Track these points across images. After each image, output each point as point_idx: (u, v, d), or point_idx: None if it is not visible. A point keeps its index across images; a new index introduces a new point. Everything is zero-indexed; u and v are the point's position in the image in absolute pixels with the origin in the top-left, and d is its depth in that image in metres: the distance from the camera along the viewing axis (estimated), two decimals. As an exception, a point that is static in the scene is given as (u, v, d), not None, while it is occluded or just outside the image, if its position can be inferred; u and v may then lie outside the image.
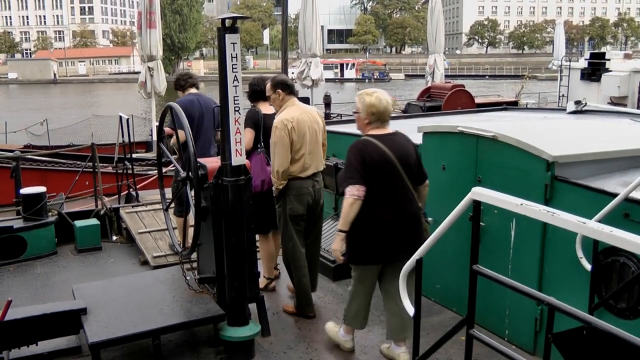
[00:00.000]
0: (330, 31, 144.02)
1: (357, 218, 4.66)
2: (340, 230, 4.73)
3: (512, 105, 15.41)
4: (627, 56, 20.49)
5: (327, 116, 18.72)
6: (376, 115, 4.79)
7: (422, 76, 26.22)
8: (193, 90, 7.65)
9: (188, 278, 5.38)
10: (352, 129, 7.05)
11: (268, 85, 5.97)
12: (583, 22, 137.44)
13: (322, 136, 5.97)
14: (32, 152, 16.18)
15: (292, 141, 5.60)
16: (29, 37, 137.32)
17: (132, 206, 9.06)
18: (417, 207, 4.84)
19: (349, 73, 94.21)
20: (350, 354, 5.19)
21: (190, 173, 4.96)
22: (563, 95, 20.67)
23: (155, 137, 16.19)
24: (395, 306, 4.86)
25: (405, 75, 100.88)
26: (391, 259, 4.79)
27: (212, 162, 4.96)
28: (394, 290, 4.60)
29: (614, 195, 4.22)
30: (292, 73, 19.90)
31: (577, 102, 9.10)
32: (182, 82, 7.64)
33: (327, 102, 21.81)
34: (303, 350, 5.28)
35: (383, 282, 5.03)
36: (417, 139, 6.28)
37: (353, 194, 4.60)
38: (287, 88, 5.81)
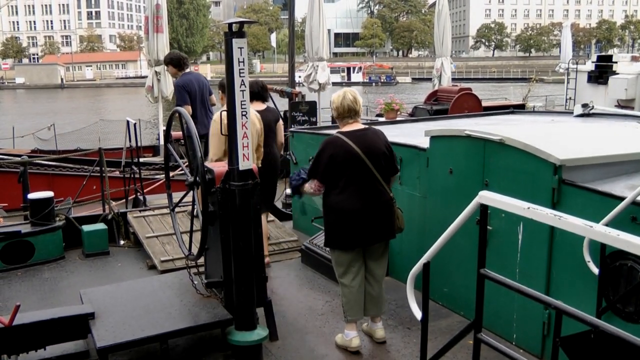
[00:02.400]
0: (337, 35, 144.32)
1: (329, 207, 5.24)
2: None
3: (519, 108, 15.33)
4: (634, 59, 20.46)
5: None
6: (339, 110, 5.30)
7: (429, 79, 26.18)
8: (187, 70, 9.02)
9: (195, 282, 5.39)
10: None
11: None
12: (590, 24, 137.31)
13: (259, 138, 6.86)
14: (39, 157, 16.22)
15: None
16: (36, 42, 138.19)
17: (140, 210, 9.08)
18: (387, 197, 5.27)
19: (356, 77, 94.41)
20: (359, 356, 5.19)
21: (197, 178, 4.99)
22: (570, 98, 20.59)
23: (162, 142, 16.22)
24: (369, 286, 5.39)
25: (412, 79, 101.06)
26: (364, 244, 5.27)
27: (220, 167, 4.98)
28: (374, 268, 5.40)
29: (621, 198, 4.21)
30: (299, 77, 19.88)
31: (585, 105, 9.07)
32: (181, 63, 8.99)
33: (334, 106, 21.79)
34: (311, 354, 5.28)
35: (365, 261, 5.45)
36: (424, 142, 6.30)
37: (311, 187, 5.28)
38: (224, 90, 6.54)
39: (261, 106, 7.52)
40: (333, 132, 5.67)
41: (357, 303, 5.32)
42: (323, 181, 5.18)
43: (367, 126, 5.44)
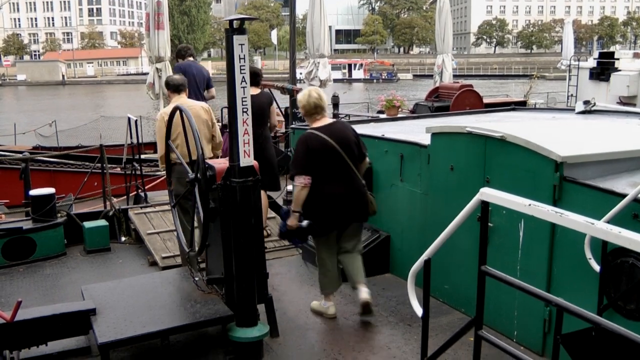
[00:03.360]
0: (338, 31, 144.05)
1: (314, 196, 5.52)
2: (294, 211, 5.57)
3: (521, 105, 15.29)
4: (636, 55, 20.34)
5: (336, 116, 18.68)
6: (306, 108, 5.67)
7: (430, 76, 26.11)
8: (190, 59, 9.50)
9: (196, 279, 5.39)
10: (363, 129, 7.04)
11: None
12: (592, 21, 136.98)
13: (211, 130, 7.12)
14: (41, 154, 16.23)
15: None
16: (38, 39, 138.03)
17: (141, 207, 9.08)
18: (360, 182, 5.74)
19: (357, 73, 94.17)
20: (359, 354, 5.20)
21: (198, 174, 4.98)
22: (572, 95, 20.53)
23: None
24: (348, 257, 5.85)
25: (414, 76, 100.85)
26: (344, 225, 5.77)
27: (221, 163, 4.97)
28: (347, 246, 5.85)
29: (623, 195, 4.20)
30: (300, 74, 19.83)
31: (586, 102, 9.04)
32: (183, 52, 9.51)
33: (335, 103, 21.75)
34: (311, 351, 5.28)
35: (338, 242, 5.89)
36: (425, 139, 6.30)
37: (301, 182, 5.47)
38: (170, 87, 6.98)
39: (255, 90, 7.93)
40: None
41: (331, 280, 5.90)
42: (309, 173, 5.47)
43: (334, 119, 5.86)
